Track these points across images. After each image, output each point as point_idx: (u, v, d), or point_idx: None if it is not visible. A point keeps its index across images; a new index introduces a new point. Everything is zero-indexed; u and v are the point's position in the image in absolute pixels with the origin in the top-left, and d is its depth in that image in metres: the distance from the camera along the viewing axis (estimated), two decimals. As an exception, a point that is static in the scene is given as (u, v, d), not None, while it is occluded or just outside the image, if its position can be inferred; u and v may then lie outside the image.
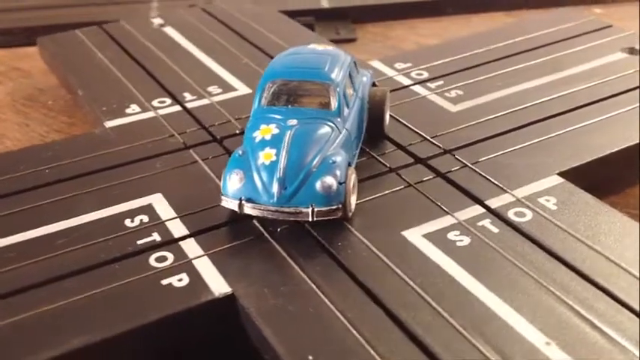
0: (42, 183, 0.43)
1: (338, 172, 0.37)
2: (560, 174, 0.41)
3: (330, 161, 0.37)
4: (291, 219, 0.37)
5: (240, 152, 0.38)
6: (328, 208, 0.37)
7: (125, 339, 0.32)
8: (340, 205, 0.37)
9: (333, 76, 0.40)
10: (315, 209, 0.36)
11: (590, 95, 0.50)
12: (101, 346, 0.31)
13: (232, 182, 0.37)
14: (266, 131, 0.38)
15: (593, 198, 0.39)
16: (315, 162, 0.37)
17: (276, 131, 0.38)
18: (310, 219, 0.37)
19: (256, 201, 0.37)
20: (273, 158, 0.37)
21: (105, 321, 0.32)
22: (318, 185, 0.37)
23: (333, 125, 0.39)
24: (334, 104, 0.40)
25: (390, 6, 0.76)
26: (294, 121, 0.39)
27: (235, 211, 0.37)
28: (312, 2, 0.76)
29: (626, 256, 0.35)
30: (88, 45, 0.62)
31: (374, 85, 0.46)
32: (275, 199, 0.37)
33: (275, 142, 0.38)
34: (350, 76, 0.42)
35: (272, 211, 0.37)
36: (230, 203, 0.38)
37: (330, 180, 0.37)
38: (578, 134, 0.46)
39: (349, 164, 0.38)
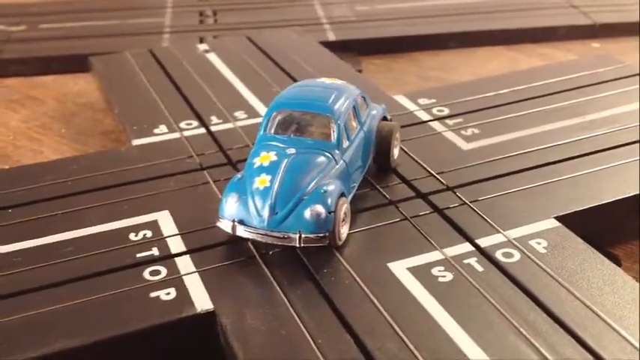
0: (62, 194, 0.46)
1: (328, 201, 0.38)
2: (558, 218, 0.41)
3: (322, 190, 0.39)
4: (279, 243, 0.38)
5: (240, 176, 0.40)
6: (315, 235, 0.38)
7: (102, 346, 0.34)
8: (328, 233, 0.38)
9: (334, 108, 0.41)
10: (303, 235, 0.38)
11: (607, 141, 0.50)
12: (79, 351, 0.33)
13: (228, 205, 0.39)
14: (265, 158, 0.40)
15: (585, 244, 0.39)
16: (307, 190, 0.39)
17: (274, 158, 0.40)
18: (297, 244, 0.38)
19: (248, 224, 0.39)
20: (267, 184, 0.39)
21: (87, 328, 0.34)
22: (307, 212, 0.38)
23: (330, 156, 0.40)
24: (334, 136, 0.41)
25: (394, 39, 0.78)
26: (292, 150, 0.40)
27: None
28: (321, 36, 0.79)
29: (604, 305, 0.35)
30: (133, 66, 0.66)
31: (385, 119, 0.47)
32: (265, 223, 0.38)
33: (272, 168, 0.39)
34: (354, 109, 0.43)
35: (262, 234, 0.38)
36: (224, 224, 0.39)
37: (319, 208, 0.38)
38: (586, 179, 0.45)
39: (343, 194, 0.40)
